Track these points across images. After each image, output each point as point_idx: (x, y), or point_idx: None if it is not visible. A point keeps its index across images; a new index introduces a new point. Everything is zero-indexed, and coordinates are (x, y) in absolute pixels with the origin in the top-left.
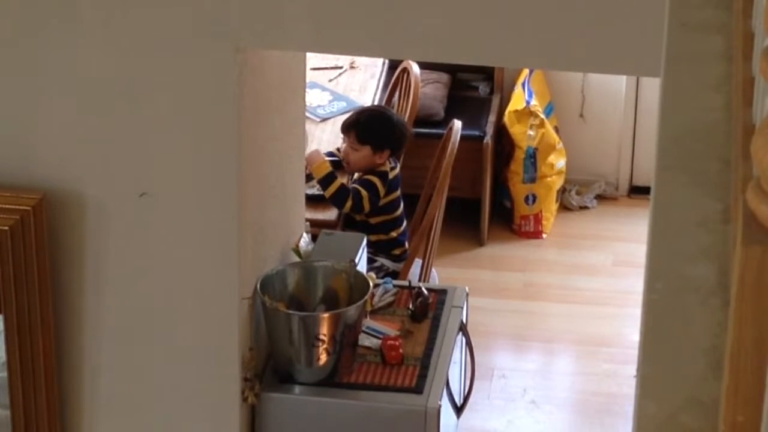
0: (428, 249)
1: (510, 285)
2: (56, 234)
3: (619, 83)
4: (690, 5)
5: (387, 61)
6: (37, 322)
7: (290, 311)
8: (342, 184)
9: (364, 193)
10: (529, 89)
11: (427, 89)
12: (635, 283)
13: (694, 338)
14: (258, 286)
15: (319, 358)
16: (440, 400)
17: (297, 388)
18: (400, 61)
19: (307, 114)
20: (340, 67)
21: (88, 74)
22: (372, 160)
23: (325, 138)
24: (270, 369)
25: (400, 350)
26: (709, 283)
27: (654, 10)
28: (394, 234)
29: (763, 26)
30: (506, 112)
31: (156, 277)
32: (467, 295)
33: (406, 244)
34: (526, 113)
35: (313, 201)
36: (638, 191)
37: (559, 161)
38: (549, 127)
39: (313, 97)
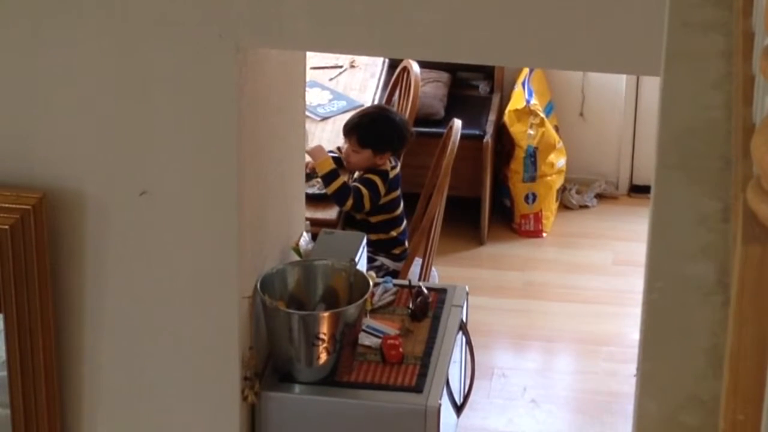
0: (428, 248)
1: (510, 284)
2: (56, 233)
3: (619, 82)
4: (690, 4)
5: (387, 60)
6: (37, 321)
7: (290, 310)
8: (344, 182)
9: (364, 191)
10: (529, 88)
11: (427, 88)
12: (635, 282)
13: (694, 337)
14: (258, 285)
15: (319, 357)
16: (440, 399)
17: (297, 387)
18: (400, 60)
19: (307, 113)
20: (340, 66)
21: (89, 73)
22: (373, 162)
23: (325, 137)
24: (270, 368)
25: (400, 349)
26: (709, 281)
27: (654, 8)
28: (394, 233)
29: (763, 25)
30: (506, 111)
31: (156, 276)
32: (467, 294)
33: (406, 243)
34: (526, 112)
35: (313, 200)
36: (638, 190)
37: (559, 160)
38: (549, 126)
39: (313, 96)
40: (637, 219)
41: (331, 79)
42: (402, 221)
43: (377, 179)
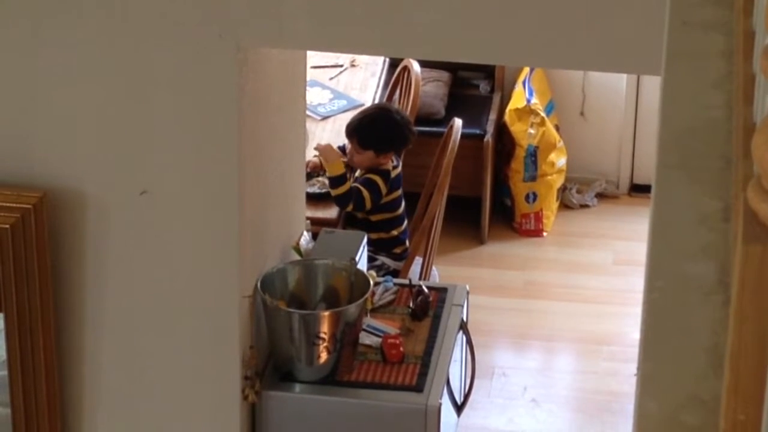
0: (429, 247)
1: (510, 283)
2: (57, 232)
3: (619, 81)
4: (691, 3)
5: (387, 60)
6: (37, 320)
7: (291, 309)
8: (350, 188)
9: (365, 193)
10: (529, 87)
11: (428, 87)
12: (636, 282)
13: (695, 336)
14: (258, 284)
15: (319, 357)
16: (441, 398)
17: (297, 387)
18: (401, 60)
19: (308, 112)
20: (341, 66)
21: (89, 73)
22: (376, 161)
23: (326, 136)
24: (270, 367)
25: (401, 348)
26: (710, 281)
27: (655, 8)
28: (395, 232)
29: (763, 24)
30: (507, 111)
31: (156, 275)
32: (468, 293)
33: (407, 243)
34: (527, 111)
35: (313, 199)
36: (639, 189)
37: (559, 159)
38: (549, 125)
39: (314, 96)
40: (638, 218)
41: (331, 79)
42: (403, 220)
43: (378, 179)
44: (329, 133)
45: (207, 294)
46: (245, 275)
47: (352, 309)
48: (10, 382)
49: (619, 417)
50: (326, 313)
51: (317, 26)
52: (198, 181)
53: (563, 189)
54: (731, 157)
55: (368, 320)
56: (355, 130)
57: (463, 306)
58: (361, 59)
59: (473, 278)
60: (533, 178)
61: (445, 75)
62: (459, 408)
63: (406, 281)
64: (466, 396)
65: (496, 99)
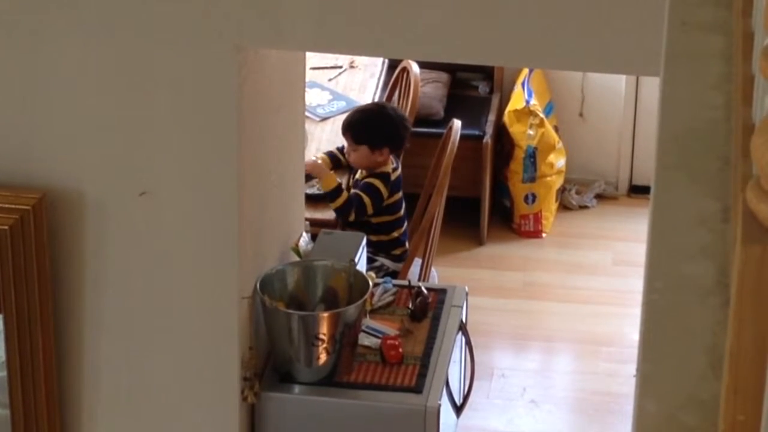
0: (428, 248)
1: (510, 284)
2: (56, 233)
3: (618, 82)
4: (690, 4)
5: (386, 61)
6: (36, 322)
7: (290, 310)
8: (347, 197)
9: (366, 198)
10: (528, 88)
11: (427, 88)
12: (635, 283)
13: (694, 337)
14: (257, 285)
15: (318, 358)
16: (440, 399)
17: (297, 388)
18: (400, 61)
19: (307, 113)
20: (340, 67)
21: (89, 74)
22: (372, 159)
23: (325, 137)
24: (270, 368)
25: (400, 349)
26: (709, 282)
27: (654, 9)
28: (395, 234)
29: (762, 25)
30: (506, 112)
31: (156, 276)
32: (467, 294)
33: (407, 244)
34: (526, 112)
35: (312, 200)
36: (638, 190)
37: (558, 160)
38: (549, 126)
39: (313, 97)
40: (637, 219)
41: (330, 80)
42: (403, 222)
43: (378, 183)
44: (328, 134)
45: (206, 295)
46: (244, 276)
47: (352, 310)
48: (10, 383)
49: (619, 418)
50: (325, 314)
51: (316, 27)
52: (197, 181)
53: (562, 190)
54: (730, 158)
55: (367, 321)
56: (348, 125)
57: (462, 307)
58: (360, 60)
59: (472, 279)
60: (532, 179)
61: (444, 76)
62: (458, 409)
63: (406, 282)
64: (466, 397)
65: (495, 100)
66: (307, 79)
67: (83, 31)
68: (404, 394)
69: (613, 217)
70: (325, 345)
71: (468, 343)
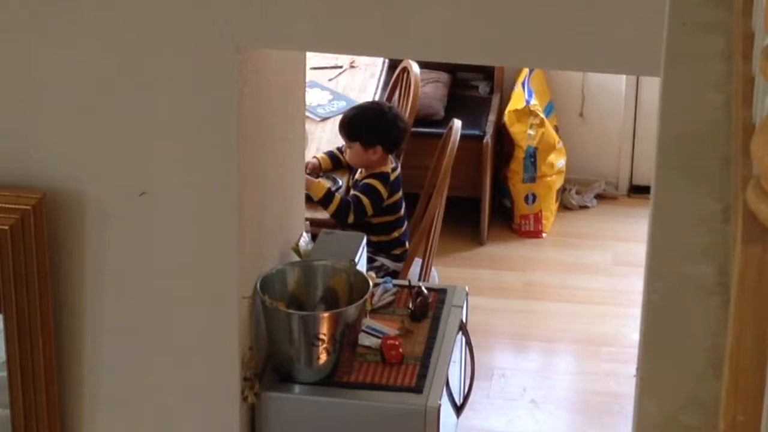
0: (428, 248)
1: (510, 284)
2: (56, 233)
3: (619, 82)
4: (690, 4)
5: (387, 61)
6: (37, 322)
7: (290, 310)
8: (341, 199)
9: (365, 200)
10: (528, 88)
11: (427, 89)
12: (635, 283)
13: (694, 337)
14: (258, 285)
15: (318, 358)
16: (440, 399)
17: (297, 388)
18: (400, 61)
19: (307, 113)
20: (340, 67)
21: (88, 74)
22: (367, 157)
23: (325, 137)
24: (270, 368)
25: (400, 349)
26: (709, 282)
27: (654, 9)
28: (395, 234)
29: (763, 25)
30: (506, 112)
31: (156, 277)
32: (467, 294)
33: (407, 244)
34: (526, 112)
35: (313, 200)
36: (638, 190)
37: (559, 160)
38: (549, 126)
39: (313, 97)
40: (637, 219)
41: (330, 80)
42: (404, 222)
43: (377, 183)
44: (329, 134)
45: (206, 295)
46: (245, 276)
47: (352, 310)
48: (10, 384)
49: (619, 418)
50: (326, 315)
51: (316, 27)
52: (197, 182)
53: (562, 190)
54: (731, 158)
55: (367, 321)
56: (343, 121)
57: (462, 307)
58: (361, 60)
59: (473, 279)
60: (532, 179)
61: (444, 76)
62: (458, 409)
63: (406, 282)
64: (466, 397)
65: (496, 100)
66: (307, 79)
67: (83, 32)
68: (404, 394)
69: (613, 217)
70: (325, 345)
71: (468, 343)
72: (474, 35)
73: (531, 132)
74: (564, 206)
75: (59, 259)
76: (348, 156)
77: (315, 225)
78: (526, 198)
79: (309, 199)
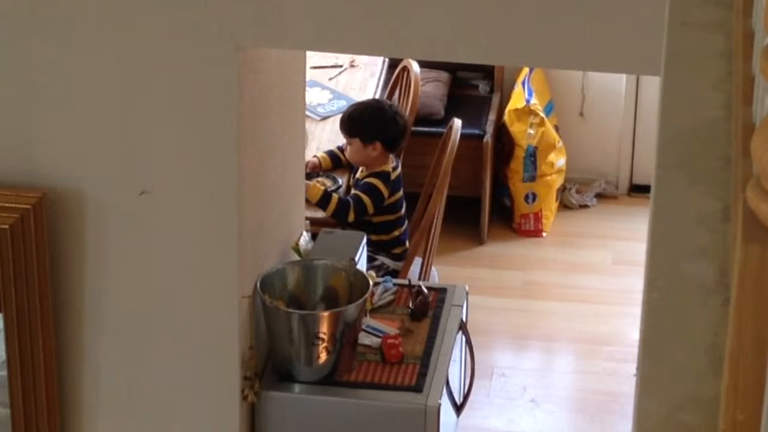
0: (428, 247)
1: (510, 283)
2: (56, 233)
3: (619, 82)
4: (690, 4)
5: (387, 60)
6: (37, 321)
7: (290, 310)
8: (339, 199)
9: (365, 198)
10: (529, 88)
11: (427, 88)
12: (635, 282)
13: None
14: (258, 284)
15: (318, 357)
16: (440, 398)
17: (297, 387)
18: (400, 60)
19: (307, 112)
20: (340, 66)
21: (88, 73)
22: (366, 153)
23: (325, 137)
24: (270, 367)
25: (400, 349)
26: (709, 281)
27: (654, 8)
28: (396, 233)
29: (763, 25)
30: (506, 111)
31: (156, 276)
32: (467, 293)
33: (407, 243)
34: (526, 112)
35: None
36: (638, 190)
37: (559, 160)
38: (549, 125)
39: (313, 96)
40: (637, 219)
41: (330, 79)
42: (404, 221)
43: (378, 182)
44: (329, 133)
45: (206, 294)
46: (244, 275)
47: (352, 309)
48: (10, 383)
49: (619, 417)
50: (326, 314)
51: (317, 27)
52: (197, 181)
53: (562, 189)
54: (731, 158)
55: (367, 320)
56: (343, 118)
57: (462, 306)
58: (361, 59)
59: (472, 278)
60: (532, 179)
61: (444, 75)
62: (458, 408)
63: (406, 281)
64: (466, 396)
65: (496, 99)
66: (307, 79)
67: (83, 31)
68: (404, 394)
69: (613, 216)
70: (325, 344)
71: (468, 342)
72: (474, 35)
73: (531, 131)
74: (564, 205)
75: (59, 259)
76: (348, 153)
77: (315, 224)
78: (526, 197)
79: (308, 200)
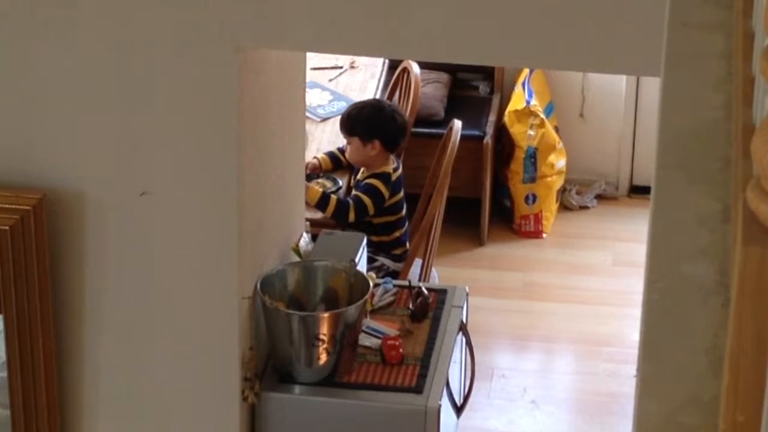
0: (428, 249)
1: (510, 285)
2: (56, 234)
3: (619, 83)
4: (690, 4)
5: (387, 61)
6: (37, 322)
7: (290, 311)
8: (338, 200)
9: (366, 199)
10: (529, 89)
11: (427, 89)
12: (635, 283)
13: (694, 337)
14: (258, 285)
15: (319, 358)
16: (440, 399)
17: (297, 388)
18: (400, 61)
19: (307, 114)
20: (340, 67)
21: (88, 74)
22: (366, 153)
23: (325, 137)
24: (270, 368)
25: (400, 350)
26: (709, 282)
27: (654, 9)
28: (396, 234)
29: (763, 26)
30: (506, 112)
31: (156, 277)
32: (467, 294)
33: (407, 244)
34: (526, 113)
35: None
36: (638, 191)
37: (559, 161)
38: (549, 126)
39: (313, 97)
40: (637, 220)
41: (331, 80)
42: (405, 222)
43: (379, 183)
44: (329, 134)
45: (206, 295)
46: (245, 276)
47: (352, 310)
48: (10, 384)
49: (619, 418)
50: (326, 315)
51: (317, 28)
52: (197, 182)
53: (563, 190)
54: (731, 159)
55: (368, 321)
56: (343, 117)
57: (462, 307)
58: (361, 61)
59: (473, 279)
60: (533, 180)
61: (444, 76)
62: (458, 409)
63: (406, 282)
64: (466, 397)
65: (496, 100)
66: (307, 80)
67: (83, 32)
68: (404, 395)
69: (613, 217)
70: (325, 345)
71: (468, 343)
72: (474, 35)
73: (531, 132)
74: (564, 206)
75: (59, 259)
76: (348, 153)
77: (315, 225)
78: (527, 198)
79: (308, 202)
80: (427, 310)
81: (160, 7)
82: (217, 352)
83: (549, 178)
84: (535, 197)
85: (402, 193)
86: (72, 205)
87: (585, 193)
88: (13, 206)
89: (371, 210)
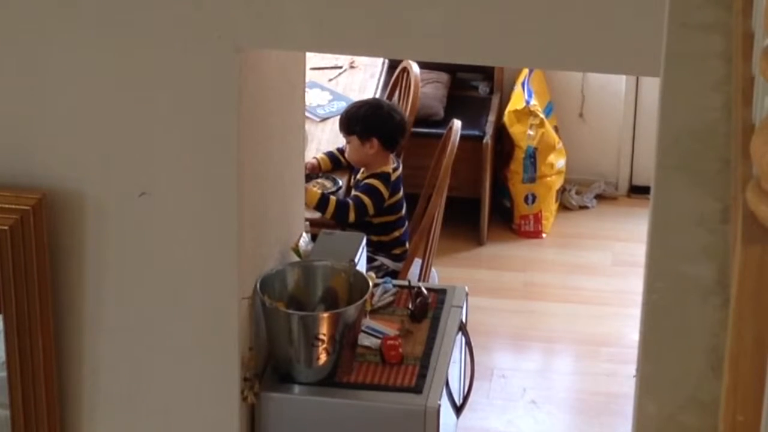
0: (428, 249)
1: (510, 285)
2: (56, 234)
3: (618, 83)
4: (690, 5)
5: (387, 61)
6: (36, 322)
7: (290, 311)
8: (337, 201)
9: (366, 199)
10: (528, 89)
11: (427, 89)
12: (635, 283)
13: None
14: (257, 285)
15: (318, 358)
16: (440, 399)
17: (296, 388)
18: (400, 61)
19: (307, 114)
20: (340, 67)
21: (89, 74)
22: (364, 152)
23: (325, 137)
24: (269, 369)
25: (400, 350)
26: (709, 282)
27: (654, 9)
28: (396, 234)
29: (762, 26)
30: (506, 112)
31: (156, 277)
32: (467, 294)
33: (407, 244)
34: (526, 113)
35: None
36: (638, 191)
37: (558, 161)
38: (549, 126)
39: (313, 97)
40: (637, 220)
41: (330, 80)
42: (404, 222)
43: (378, 183)
44: (328, 134)
45: (206, 295)
46: (244, 277)
47: (352, 310)
48: (10, 384)
49: (619, 418)
50: (325, 315)
51: (316, 27)
52: (197, 182)
53: (562, 190)
54: (730, 159)
55: (367, 321)
56: (341, 117)
57: (462, 307)
58: (361, 61)
59: (472, 279)
60: (532, 180)
61: (444, 76)
62: (458, 409)
63: (406, 282)
64: (466, 397)
65: (495, 100)
66: (307, 80)
67: (83, 32)
68: (404, 395)
69: (613, 217)
70: (325, 345)
71: (468, 343)
72: (474, 35)
73: (531, 132)
74: (564, 206)
75: (59, 259)
76: (347, 153)
77: (315, 225)
78: (526, 198)
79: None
80: (426, 310)
81: (160, 8)
82: (217, 352)
83: (548, 178)
84: (534, 197)
85: (402, 193)
86: (72, 205)
87: (585, 193)
88: (13, 206)
89: (371, 210)
